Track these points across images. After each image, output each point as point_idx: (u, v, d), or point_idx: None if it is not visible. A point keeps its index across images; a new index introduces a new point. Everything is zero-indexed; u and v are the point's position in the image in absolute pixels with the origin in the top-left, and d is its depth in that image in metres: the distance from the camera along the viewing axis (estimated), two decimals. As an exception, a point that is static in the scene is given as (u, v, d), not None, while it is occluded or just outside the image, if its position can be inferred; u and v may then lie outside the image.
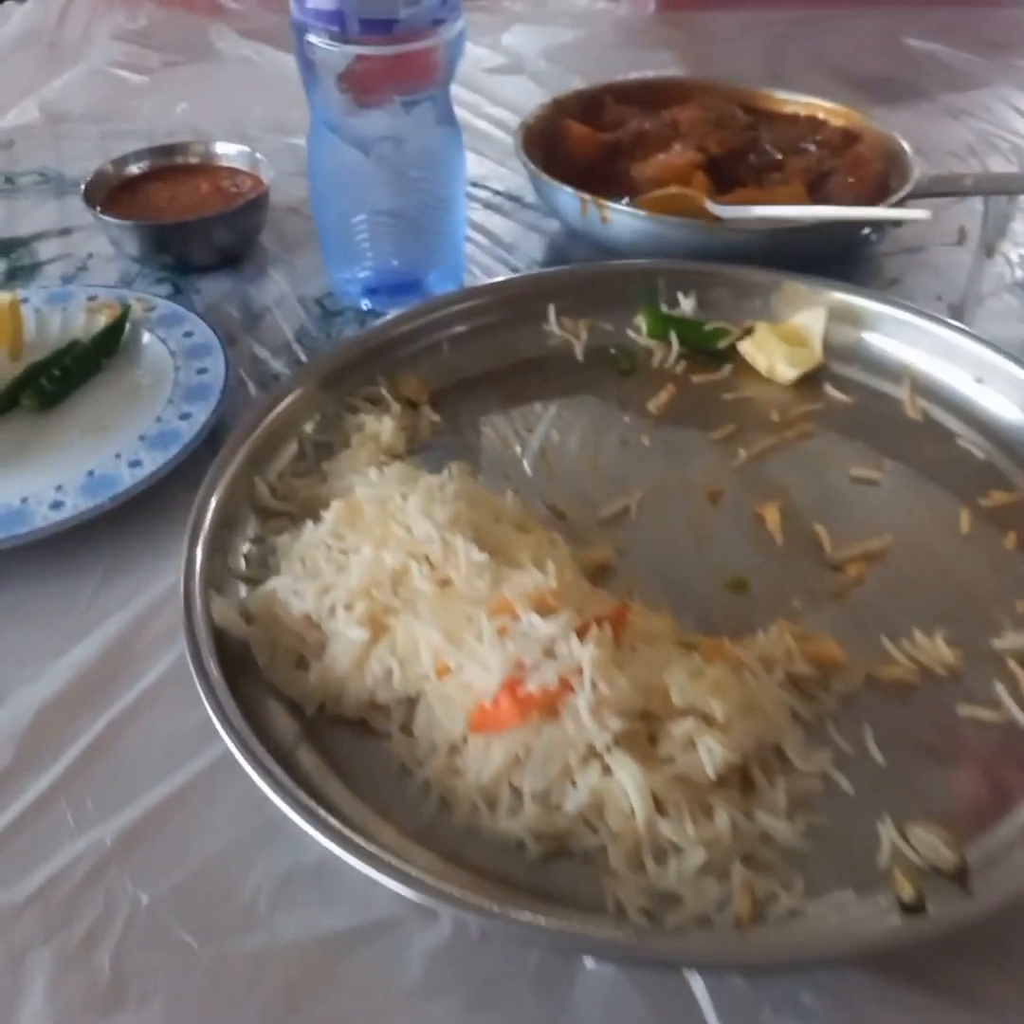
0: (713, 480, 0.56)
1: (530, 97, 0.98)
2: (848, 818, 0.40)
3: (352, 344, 0.61)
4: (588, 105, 0.84)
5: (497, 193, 0.84)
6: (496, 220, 0.81)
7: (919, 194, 0.70)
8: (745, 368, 0.63)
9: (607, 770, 0.39)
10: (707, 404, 0.61)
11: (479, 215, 0.81)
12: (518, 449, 0.58)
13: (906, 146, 0.75)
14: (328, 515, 0.49)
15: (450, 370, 0.63)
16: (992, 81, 1.03)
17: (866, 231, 0.69)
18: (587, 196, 0.68)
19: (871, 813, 0.40)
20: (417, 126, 0.61)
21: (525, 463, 0.57)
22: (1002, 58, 1.07)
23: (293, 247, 0.77)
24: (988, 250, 0.75)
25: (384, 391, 0.60)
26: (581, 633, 0.41)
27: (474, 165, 0.88)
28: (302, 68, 0.60)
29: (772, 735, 0.42)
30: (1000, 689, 0.44)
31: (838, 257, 0.70)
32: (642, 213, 0.66)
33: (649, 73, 0.98)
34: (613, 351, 0.64)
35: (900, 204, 0.69)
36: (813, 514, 0.53)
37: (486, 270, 0.75)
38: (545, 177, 0.71)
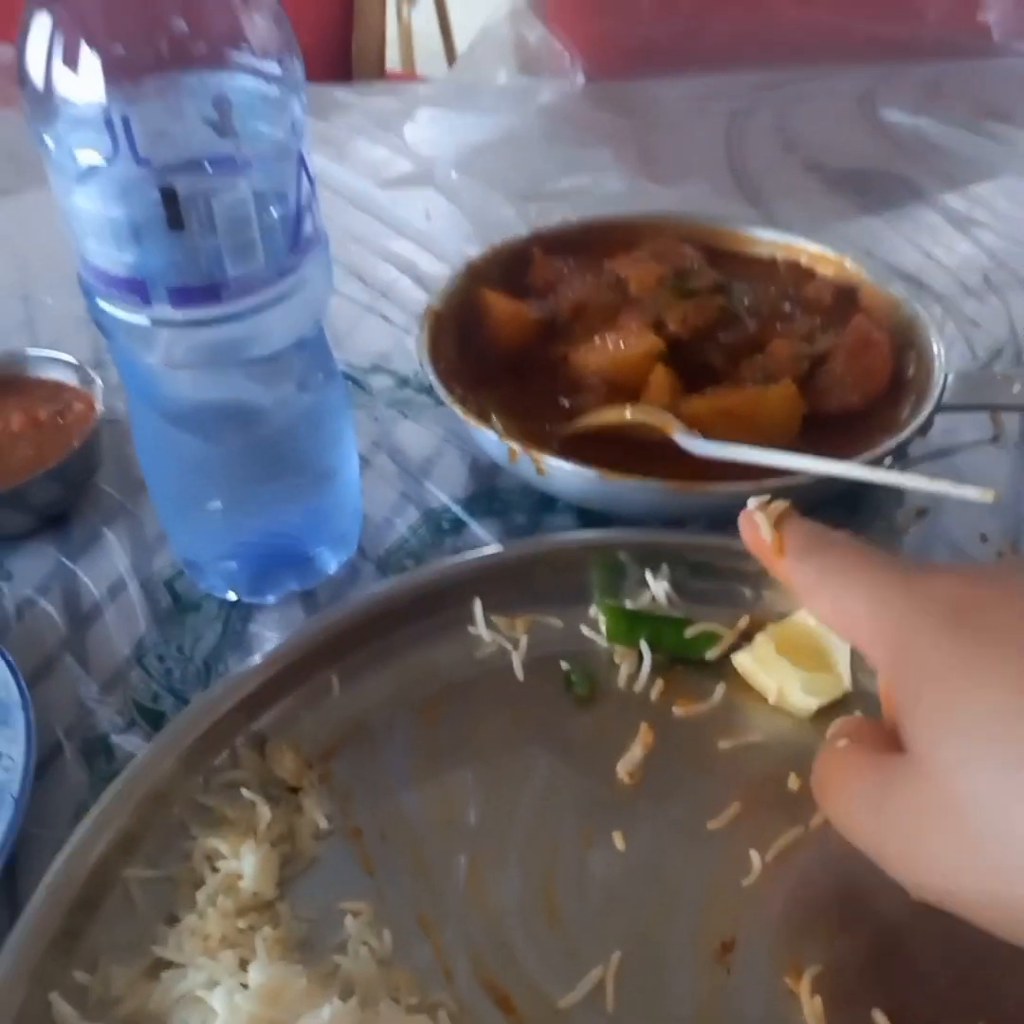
0: (720, 919, 0.39)
1: (442, 225, 0.80)
2: None
3: (200, 710, 0.44)
4: (512, 263, 0.66)
5: (403, 383, 0.66)
6: (404, 430, 0.63)
7: (948, 407, 0.53)
8: (745, 690, 0.46)
9: None
10: (697, 761, 0.44)
11: (376, 424, 0.63)
12: (438, 869, 0.41)
13: (920, 313, 0.59)
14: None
15: (343, 720, 0.46)
16: (998, 169, 0.86)
17: (887, 461, 0.52)
18: (515, 446, 0.51)
19: None
20: (277, 387, 0.44)
21: (450, 894, 0.40)
22: (1005, 134, 0.91)
23: (136, 489, 0.59)
24: (1036, 451, 0.59)
25: (247, 781, 0.43)
26: None
27: (369, 339, 0.70)
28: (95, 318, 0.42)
29: None
30: None
31: (846, 494, 0.53)
32: (590, 472, 0.49)
33: (579, 187, 0.81)
34: (564, 665, 0.47)
35: (926, 422, 0.52)
36: (869, 981, 0.36)
37: (387, 520, 0.57)
38: (459, 410, 0.53)
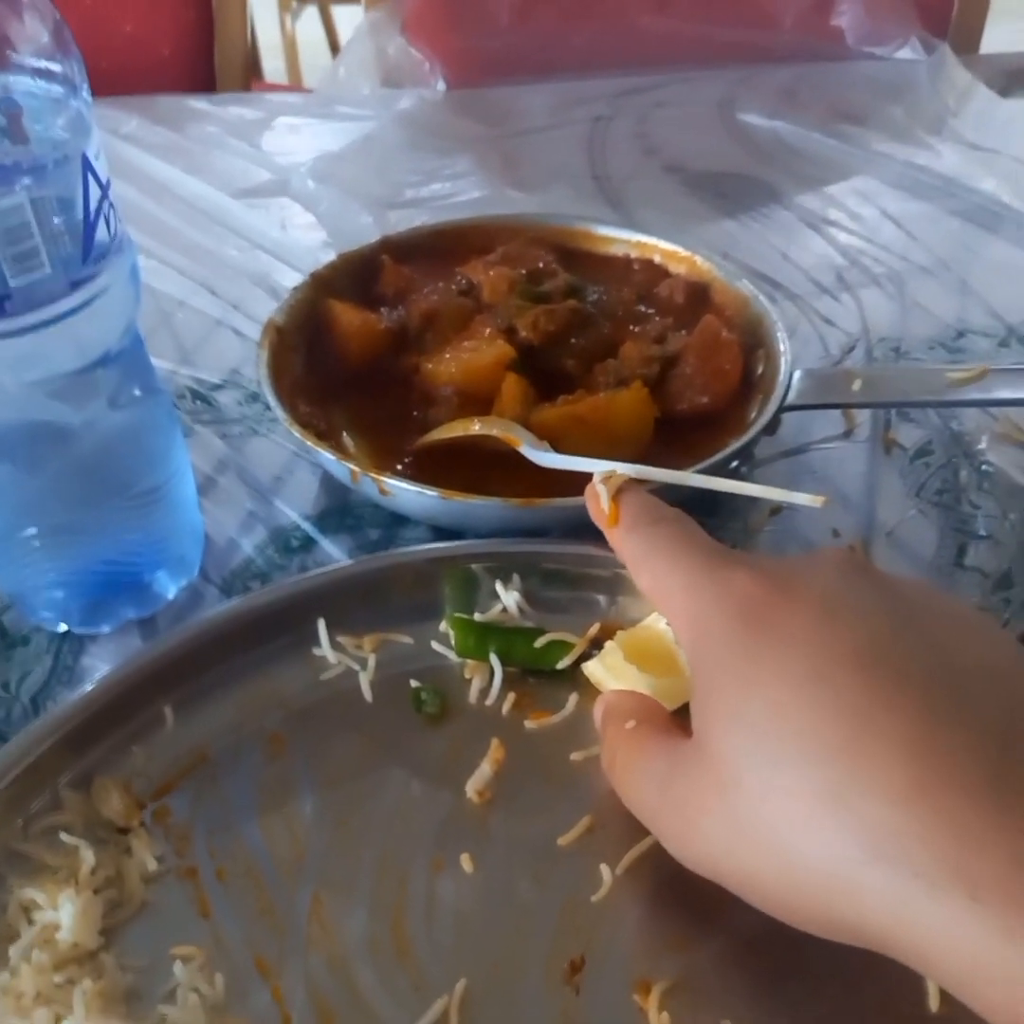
0: (569, 937, 0.38)
1: (298, 235, 0.78)
2: None
3: (18, 749, 0.41)
4: (361, 272, 0.64)
5: (253, 397, 0.64)
6: (253, 447, 0.60)
7: (793, 407, 0.53)
8: (596, 698, 0.45)
9: None
10: (548, 775, 0.43)
11: (223, 441, 0.61)
12: (281, 907, 0.39)
13: (769, 310, 0.59)
14: None
15: (180, 754, 0.43)
16: (852, 171, 0.88)
17: (734, 464, 0.52)
18: (355, 467, 0.49)
19: None
20: (85, 405, 0.41)
21: (292, 933, 0.38)
22: (860, 139, 0.92)
23: None
24: (887, 446, 0.59)
25: (69, 824, 0.40)
26: None
27: (219, 353, 0.68)
28: None
29: None
30: None
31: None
32: (431, 492, 0.48)
33: (440, 194, 0.80)
34: (414, 683, 0.46)
35: (772, 422, 0.52)
36: (718, 993, 0.36)
37: (232, 541, 0.54)
38: (297, 431, 0.51)
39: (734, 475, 0.54)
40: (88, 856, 0.39)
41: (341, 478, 0.52)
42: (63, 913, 0.37)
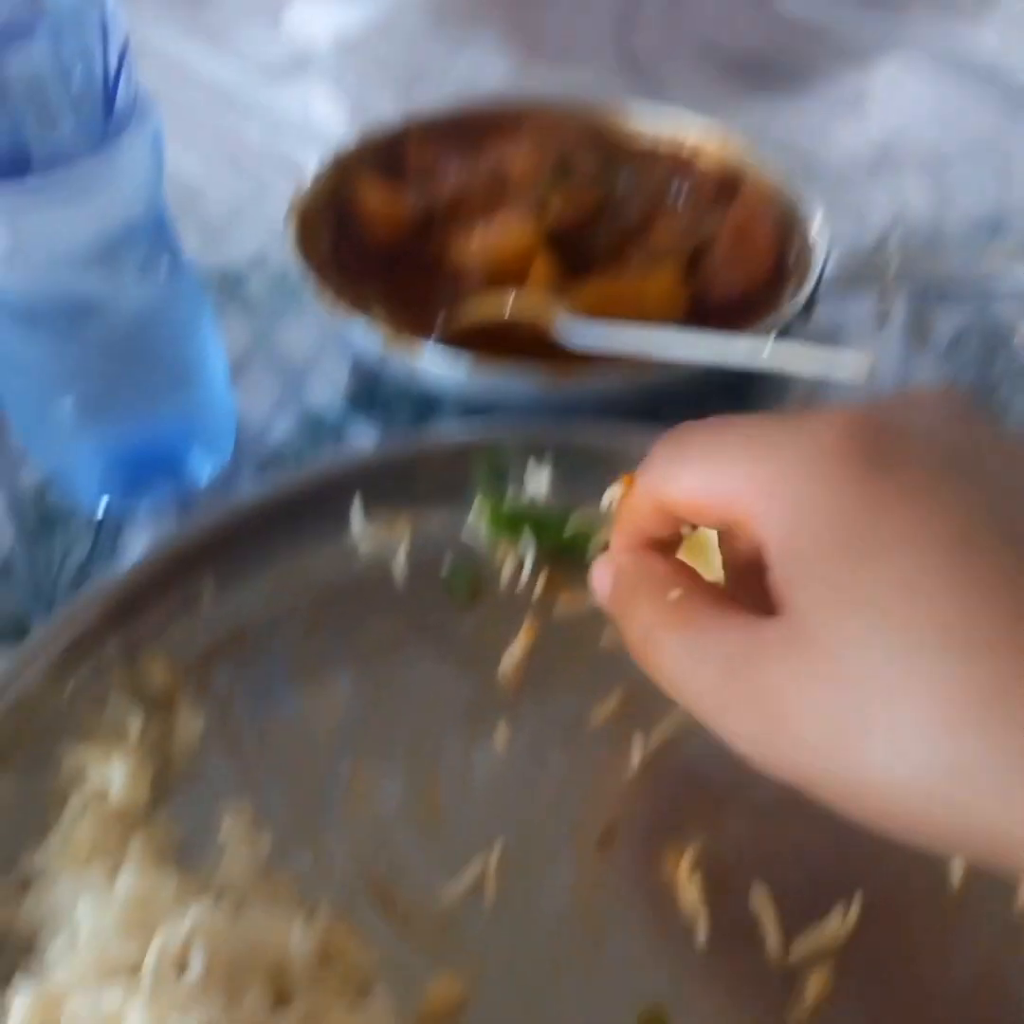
0: (601, 808, 0.39)
1: (322, 113, 0.76)
2: None
3: (65, 620, 0.42)
4: (385, 151, 0.63)
5: (281, 280, 0.63)
6: (282, 331, 0.60)
7: (829, 288, 0.53)
8: (625, 580, 0.46)
9: None
10: (580, 655, 0.44)
11: (252, 325, 0.60)
12: (321, 773, 0.40)
13: (803, 194, 0.58)
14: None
15: (217, 629, 0.44)
16: (889, 50, 0.84)
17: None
18: (389, 335, 0.49)
19: None
20: (112, 276, 0.41)
21: (332, 797, 0.40)
22: (897, 16, 0.89)
23: None
24: (921, 335, 0.58)
25: (117, 691, 0.41)
26: None
27: (244, 237, 0.67)
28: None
29: None
30: None
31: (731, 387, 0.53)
32: (465, 362, 0.47)
33: (466, 79, 0.77)
34: (446, 567, 0.46)
35: (808, 302, 0.52)
36: (749, 858, 0.37)
37: (264, 424, 0.55)
38: (331, 302, 0.51)
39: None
40: (136, 721, 0.40)
41: (371, 351, 0.51)
42: (114, 774, 0.38)
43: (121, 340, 0.42)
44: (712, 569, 0.44)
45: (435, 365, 0.49)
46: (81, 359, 0.44)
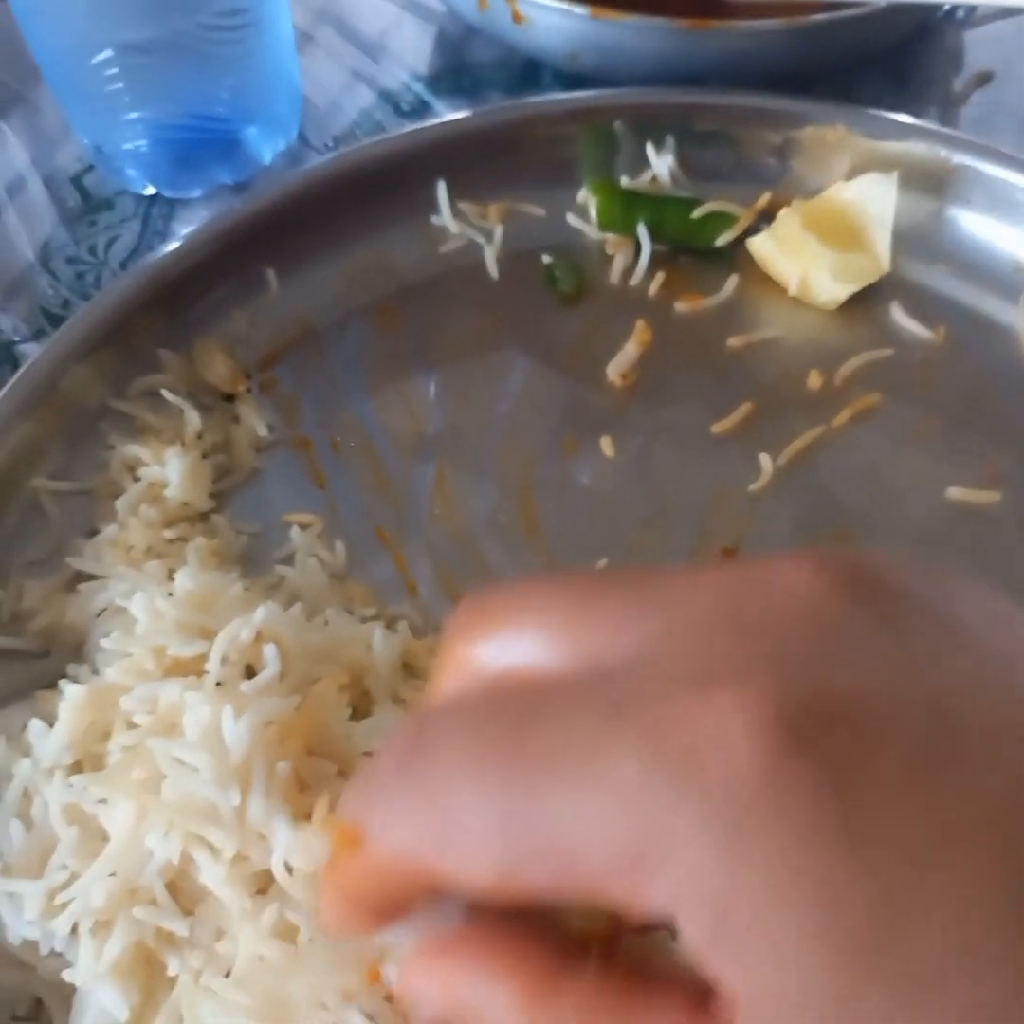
0: (722, 526, 0.34)
1: None
2: None
3: (106, 305, 0.36)
4: None
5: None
6: (351, -2, 0.51)
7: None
8: (761, 281, 0.39)
9: None
10: (701, 358, 0.37)
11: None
12: (399, 483, 0.35)
13: None
14: (58, 726, 0.28)
15: (282, 320, 0.39)
16: None
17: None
18: (484, -19, 0.40)
19: None
20: None
21: (414, 506, 0.35)
22: None
23: (31, 74, 0.48)
24: None
25: (170, 385, 0.36)
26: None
27: None
28: None
29: None
30: None
31: (886, 57, 0.43)
32: (580, 9, 0.39)
33: None
34: (547, 259, 0.40)
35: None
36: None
37: (335, 103, 0.47)
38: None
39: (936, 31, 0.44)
40: (193, 418, 0.35)
41: (466, 10, 0.43)
42: (170, 470, 0.33)
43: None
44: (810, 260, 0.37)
45: (542, 20, 0.40)
46: (121, 1, 0.37)
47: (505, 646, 0.17)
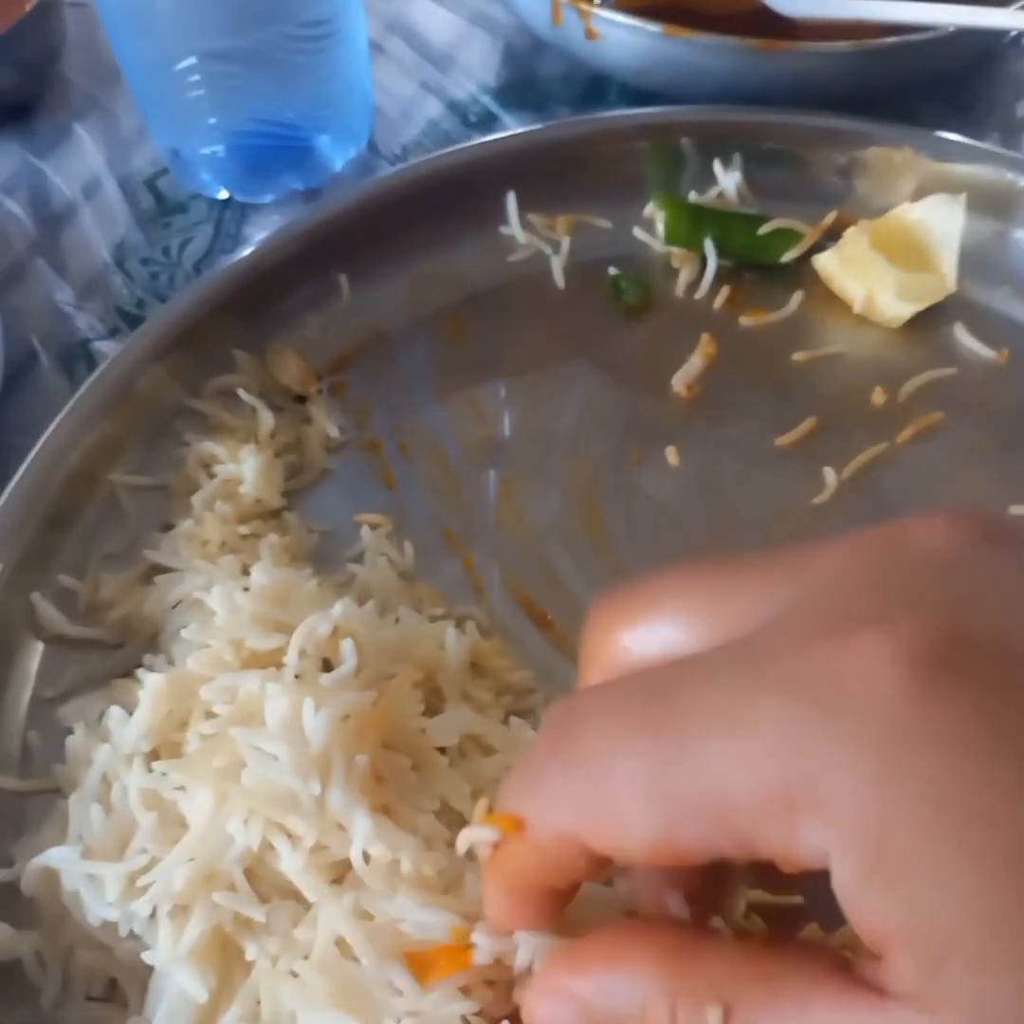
0: (785, 538, 0.34)
1: None
2: None
3: (184, 307, 0.37)
4: None
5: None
6: (424, 9, 0.52)
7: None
8: (826, 298, 0.39)
9: None
10: (765, 372, 0.38)
11: (389, 2, 0.52)
12: (466, 487, 0.36)
13: None
14: (137, 713, 0.28)
15: (353, 325, 0.39)
16: None
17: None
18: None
19: None
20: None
21: (480, 511, 0.35)
22: None
23: (108, 78, 0.50)
24: None
25: (244, 386, 0.37)
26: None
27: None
28: None
29: None
30: None
31: (949, 81, 0.44)
32: (653, 27, 0.40)
33: None
34: (613, 271, 0.40)
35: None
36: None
37: (404, 113, 0.48)
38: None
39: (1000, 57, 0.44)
40: (267, 417, 0.36)
41: (538, 23, 0.44)
42: (245, 468, 0.34)
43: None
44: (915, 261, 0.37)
45: (614, 36, 0.41)
46: (208, 12, 0.38)
47: (646, 634, 0.18)
